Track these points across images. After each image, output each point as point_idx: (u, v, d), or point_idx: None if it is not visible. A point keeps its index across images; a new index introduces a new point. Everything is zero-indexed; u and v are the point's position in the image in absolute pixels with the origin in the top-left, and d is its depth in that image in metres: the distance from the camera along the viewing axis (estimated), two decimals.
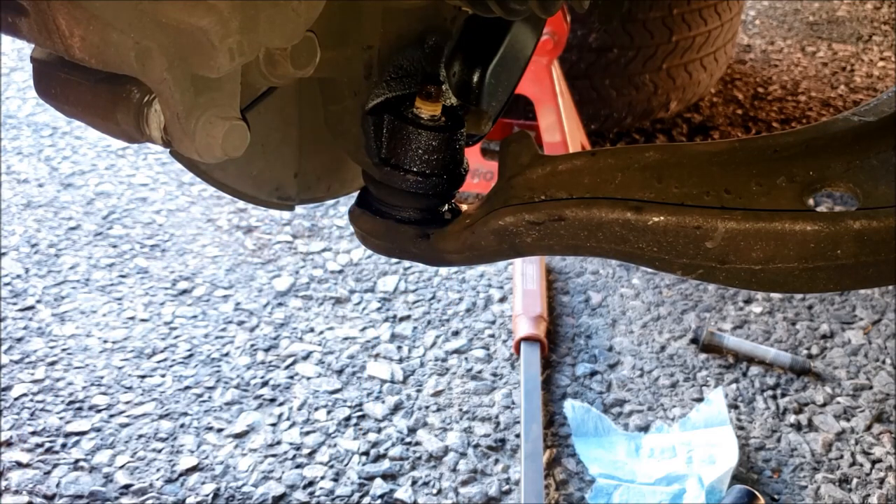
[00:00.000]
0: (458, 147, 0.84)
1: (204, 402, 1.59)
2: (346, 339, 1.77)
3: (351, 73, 0.80)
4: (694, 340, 1.78)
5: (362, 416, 1.58)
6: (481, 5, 0.74)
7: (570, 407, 1.57)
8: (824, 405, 1.65)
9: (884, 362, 1.76)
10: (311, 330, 1.79)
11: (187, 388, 1.62)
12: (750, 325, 1.85)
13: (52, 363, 1.66)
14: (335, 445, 1.52)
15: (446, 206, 0.88)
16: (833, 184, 0.73)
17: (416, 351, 1.75)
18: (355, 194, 0.92)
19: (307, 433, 1.54)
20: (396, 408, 1.60)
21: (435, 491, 1.44)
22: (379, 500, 1.42)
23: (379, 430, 1.55)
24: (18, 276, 1.91)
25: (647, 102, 2.55)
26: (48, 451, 1.47)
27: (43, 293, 1.86)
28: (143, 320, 1.79)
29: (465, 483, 1.46)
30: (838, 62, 3.35)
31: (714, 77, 2.75)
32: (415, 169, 0.82)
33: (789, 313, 1.89)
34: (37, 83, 0.70)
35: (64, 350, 1.70)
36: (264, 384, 1.64)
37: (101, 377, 1.63)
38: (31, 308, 1.81)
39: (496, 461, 1.50)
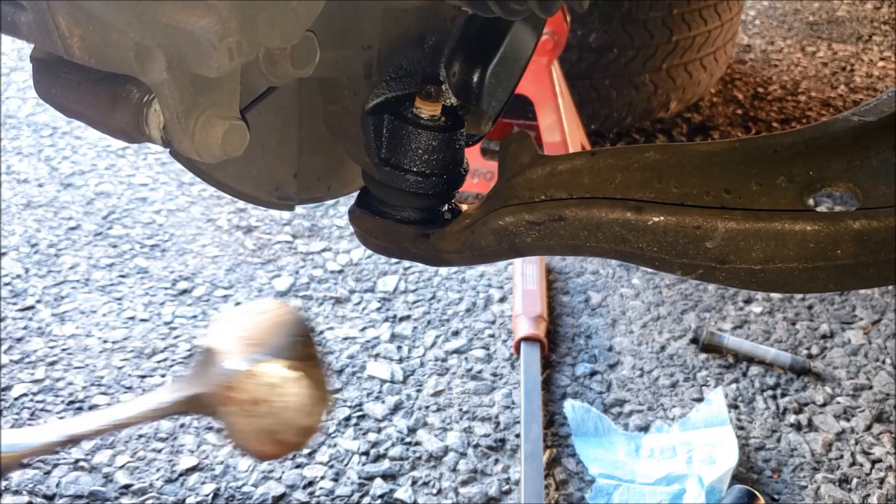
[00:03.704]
0: (458, 147, 0.84)
1: None
2: (345, 339, 1.77)
3: (351, 73, 0.80)
4: (694, 340, 1.78)
5: (362, 416, 1.58)
6: (481, 5, 0.74)
7: (570, 407, 1.57)
8: (824, 405, 1.65)
9: (884, 362, 1.76)
10: (311, 330, 1.79)
11: None
12: (750, 325, 1.85)
13: (52, 363, 1.66)
14: (335, 445, 1.52)
15: (446, 206, 0.88)
16: (833, 184, 0.73)
17: (416, 351, 1.75)
18: (355, 194, 0.92)
19: None
20: (396, 408, 1.60)
21: (435, 491, 1.44)
22: (379, 500, 1.42)
23: (379, 430, 1.55)
24: (18, 276, 1.91)
25: (647, 102, 2.55)
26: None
27: (43, 293, 1.86)
28: (143, 320, 1.79)
29: (465, 483, 1.46)
30: (838, 62, 3.35)
31: (714, 77, 2.75)
32: (415, 169, 0.82)
33: (789, 313, 1.89)
34: (37, 83, 0.70)
35: (64, 350, 1.70)
36: None
37: (101, 377, 1.63)
38: (31, 308, 1.81)
39: (496, 461, 1.50)
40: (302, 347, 0.68)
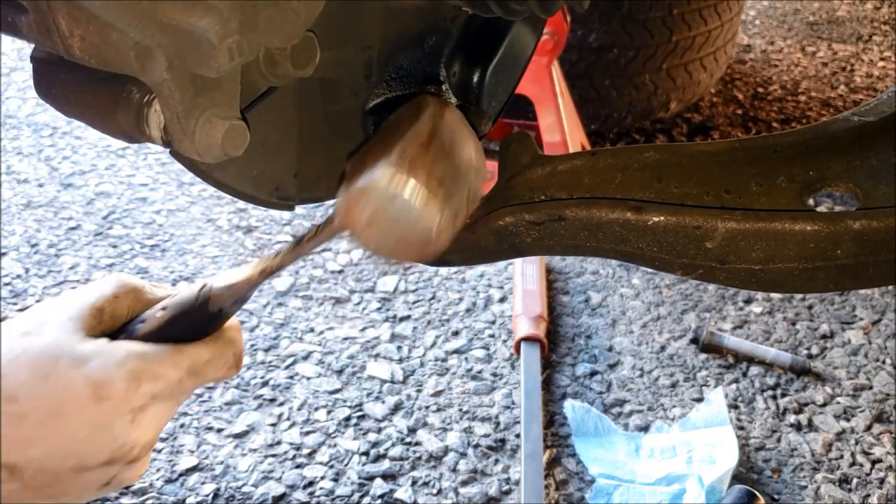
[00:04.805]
0: None
1: (204, 402, 1.59)
2: (346, 339, 1.77)
3: (351, 73, 0.80)
4: (694, 340, 1.78)
5: (362, 416, 1.58)
6: (481, 5, 0.74)
7: (570, 407, 1.57)
8: (824, 405, 1.65)
9: (884, 362, 1.76)
10: (311, 330, 1.79)
11: None
12: (750, 325, 1.85)
13: None
14: (335, 445, 1.52)
15: None
16: (833, 184, 0.73)
17: (416, 351, 1.75)
18: None
19: (307, 433, 1.54)
20: (396, 408, 1.60)
21: (435, 491, 1.44)
22: (379, 500, 1.42)
23: (379, 430, 1.55)
24: (18, 276, 1.91)
25: (647, 102, 2.55)
26: None
27: (43, 293, 1.86)
28: None
29: (465, 483, 1.46)
30: (838, 62, 3.35)
31: (714, 77, 2.75)
32: None
33: (789, 313, 1.89)
34: (37, 83, 0.70)
35: None
36: (264, 384, 1.64)
37: None
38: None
39: (496, 461, 1.50)
40: (417, 145, 0.67)
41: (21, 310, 1.80)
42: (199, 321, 0.77)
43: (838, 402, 1.65)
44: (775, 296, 1.93)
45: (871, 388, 1.69)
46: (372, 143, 0.73)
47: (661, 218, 0.73)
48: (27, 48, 0.98)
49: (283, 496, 1.42)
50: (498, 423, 1.58)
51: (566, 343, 1.78)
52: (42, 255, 1.99)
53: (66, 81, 0.67)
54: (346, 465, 1.48)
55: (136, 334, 0.76)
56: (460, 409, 1.60)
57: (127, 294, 0.76)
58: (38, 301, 1.83)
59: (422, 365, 1.71)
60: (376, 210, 0.65)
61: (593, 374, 1.70)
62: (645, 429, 1.58)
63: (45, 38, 0.61)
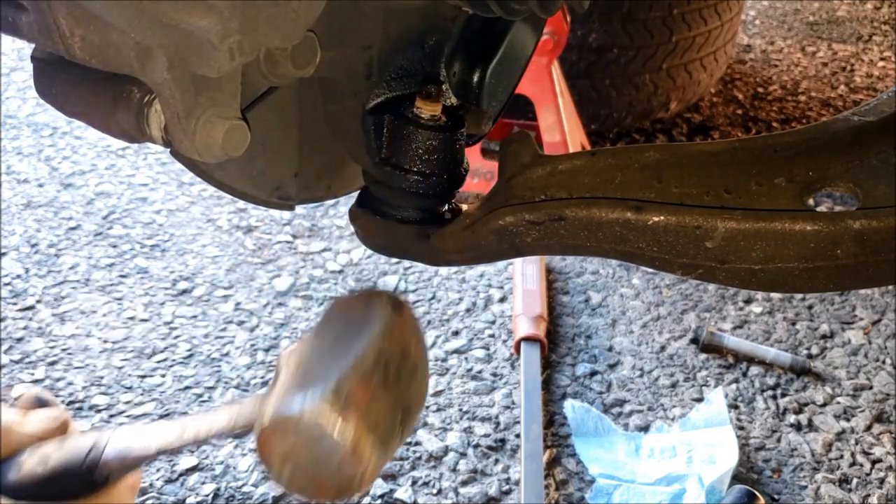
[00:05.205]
0: (458, 147, 0.84)
1: (204, 402, 1.60)
2: None
3: (351, 73, 0.80)
4: (694, 340, 1.78)
5: None
6: (481, 5, 0.74)
7: (570, 407, 1.57)
8: (824, 405, 1.65)
9: (884, 362, 1.76)
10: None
11: (187, 388, 1.62)
12: (750, 325, 1.85)
13: (52, 363, 1.66)
14: None
15: (446, 206, 0.87)
16: (833, 184, 0.73)
17: None
18: (356, 194, 0.92)
19: None
20: None
21: (435, 491, 1.44)
22: (379, 500, 1.42)
23: None
24: (18, 276, 1.91)
25: (647, 102, 2.55)
26: None
27: (43, 293, 1.86)
28: (143, 320, 1.79)
29: (465, 483, 1.46)
30: (838, 62, 3.35)
31: (714, 77, 2.75)
32: (415, 169, 0.81)
33: (789, 313, 1.89)
34: (37, 83, 0.70)
35: (64, 350, 1.70)
36: (264, 384, 1.64)
37: (101, 377, 1.63)
38: (31, 308, 1.81)
39: (496, 461, 1.50)
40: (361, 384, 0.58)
41: (21, 310, 1.80)
42: (80, 484, 0.69)
43: (838, 402, 1.65)
44: (775, 296, 1.93)
45: (871, 388, 1.69)
46: (314, 339, 0.64)
47: (661, 218, 0.73)
48: (27, 48, 0.98)
49: (283, 496, 1.42)
50: (498, 423, 1.58)
51: (566, 343, 1.78)
52: (42, 255, 1.99)
53: (66, 81, 0.67)
54: None
55: (7, 483, 0.68)
56: (460, 409, 1.60)
57: None
58: (38, 301, 1.83)
59: None
60: (296, 448, 0.58)
61: (593, 374, 1.70)
62: (645, 429, 1.58)
63: (46, 38, 0.61)
